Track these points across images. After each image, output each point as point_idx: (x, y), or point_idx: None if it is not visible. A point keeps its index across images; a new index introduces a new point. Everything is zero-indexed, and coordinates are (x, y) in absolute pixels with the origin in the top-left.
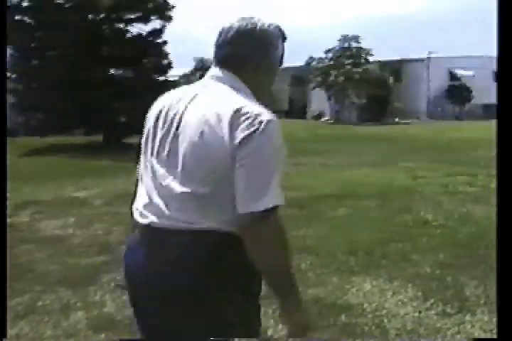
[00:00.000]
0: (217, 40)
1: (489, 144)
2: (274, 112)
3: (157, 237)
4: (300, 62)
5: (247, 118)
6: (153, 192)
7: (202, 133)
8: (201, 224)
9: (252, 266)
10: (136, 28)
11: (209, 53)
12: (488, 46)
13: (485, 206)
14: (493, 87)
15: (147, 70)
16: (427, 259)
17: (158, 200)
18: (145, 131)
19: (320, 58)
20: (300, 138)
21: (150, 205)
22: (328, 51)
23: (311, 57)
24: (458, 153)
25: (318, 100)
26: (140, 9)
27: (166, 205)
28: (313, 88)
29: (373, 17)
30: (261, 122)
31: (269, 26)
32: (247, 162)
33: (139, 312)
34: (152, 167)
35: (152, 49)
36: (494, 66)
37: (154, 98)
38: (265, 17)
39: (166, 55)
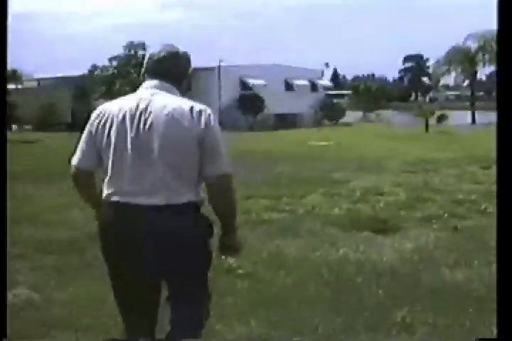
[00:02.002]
0: (151, 60)
1: (288, 157)
2: (55, 125)
3: (155, 213)
4: (82, 70)
5: (201, 113)
6: (136, 177)
7: (172, 127)
8: (182, 198)
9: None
10: None
11: None
12: (278, 55)
13: (296, 239)
14: (284, 96)
15: None
16: (234, 331)
17: (144, 183)
18: (103, 131)
19: (104, 66)
20: None
21: (136, 188)
22: (112, 59)
23: (94, 66)
24: (254, 168)
25: None
26: None
27: (153, 186)
28: (97, 98)
29: (158, 24)
30: (209, 114)
31: (184, 50)
32: (212, 141)
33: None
34: (131, 158)
35: None
36: (285, 75)
37: None
38: None
39: None
